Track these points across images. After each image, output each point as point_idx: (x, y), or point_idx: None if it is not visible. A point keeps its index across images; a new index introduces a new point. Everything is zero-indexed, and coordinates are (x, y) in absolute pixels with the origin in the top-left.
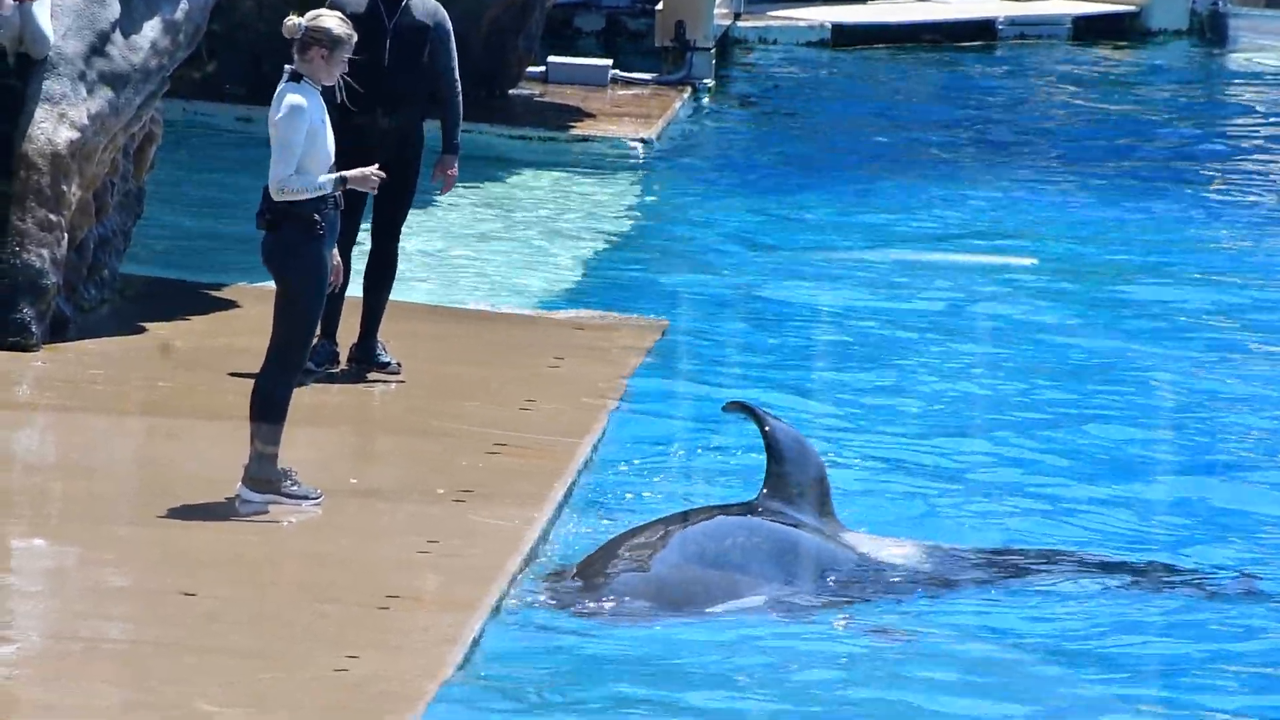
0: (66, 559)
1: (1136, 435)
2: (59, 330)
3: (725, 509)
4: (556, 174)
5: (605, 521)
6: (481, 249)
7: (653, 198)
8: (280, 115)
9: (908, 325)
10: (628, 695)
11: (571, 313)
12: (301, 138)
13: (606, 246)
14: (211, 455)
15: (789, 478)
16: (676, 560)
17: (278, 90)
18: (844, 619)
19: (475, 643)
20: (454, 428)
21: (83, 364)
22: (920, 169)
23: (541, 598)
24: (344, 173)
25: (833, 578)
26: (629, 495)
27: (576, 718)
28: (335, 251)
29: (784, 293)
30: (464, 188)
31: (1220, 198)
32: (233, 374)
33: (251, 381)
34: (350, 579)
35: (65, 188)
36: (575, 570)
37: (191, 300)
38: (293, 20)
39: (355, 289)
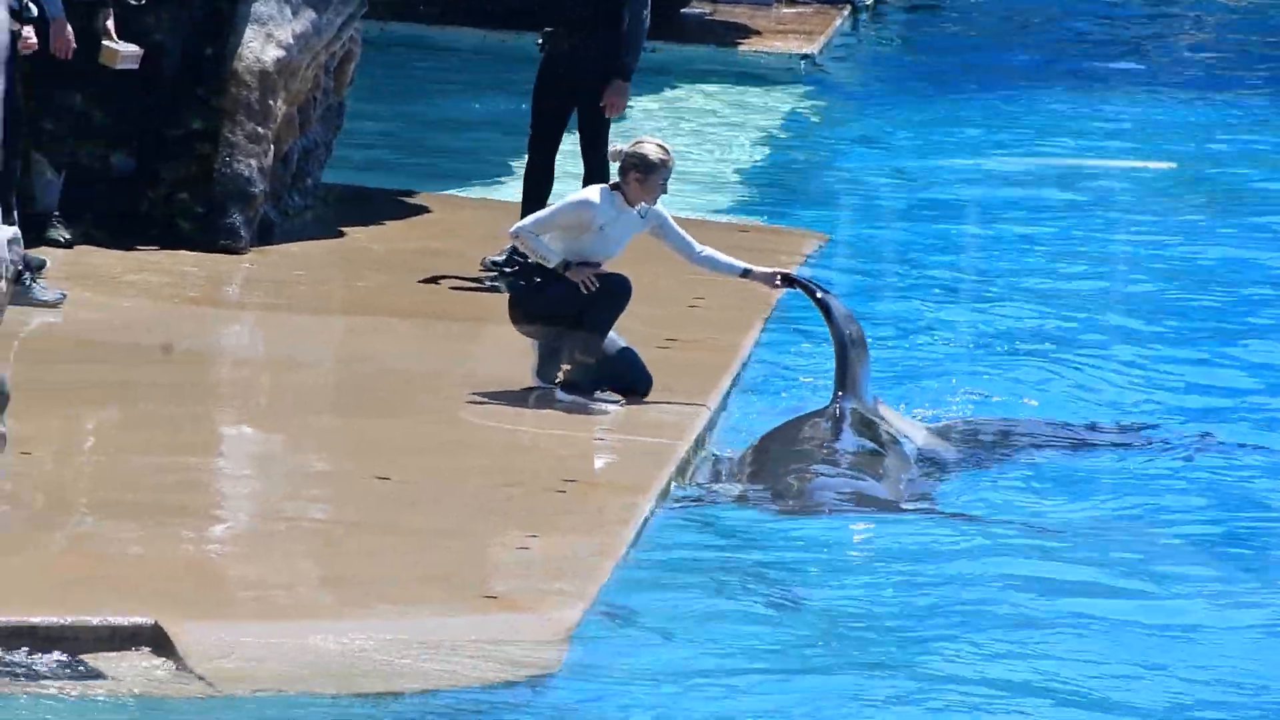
0: (272, 446)
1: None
2: (265, 234)
3: (836, 411)
4: (725, 87)
5: (765, 415)
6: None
7: (815, 113)
8: (567, 199)
9: (1050, 224)
10: (781, 578)
11: (736, 219)
12: (567, 219)
13: (771, 159)
14: (406, 351)
15: (856, 365)
16: (820, 461)
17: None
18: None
19: (645, 523)
20: (627, 325)
21: (287, 265)
22: (1073, 81)
23: (708, 485)
24: (570, 265)
25: (928, 471)
26: (784, 393)
27: (739, 598)
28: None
29: (938, 208)
30: (641, 98)
31: None
32: (423, 278)
33: (439, 280)
34: (533, 465)
35: (272, 103)
36: (738, 461)
37: (386, 206)
38: (615, 147)
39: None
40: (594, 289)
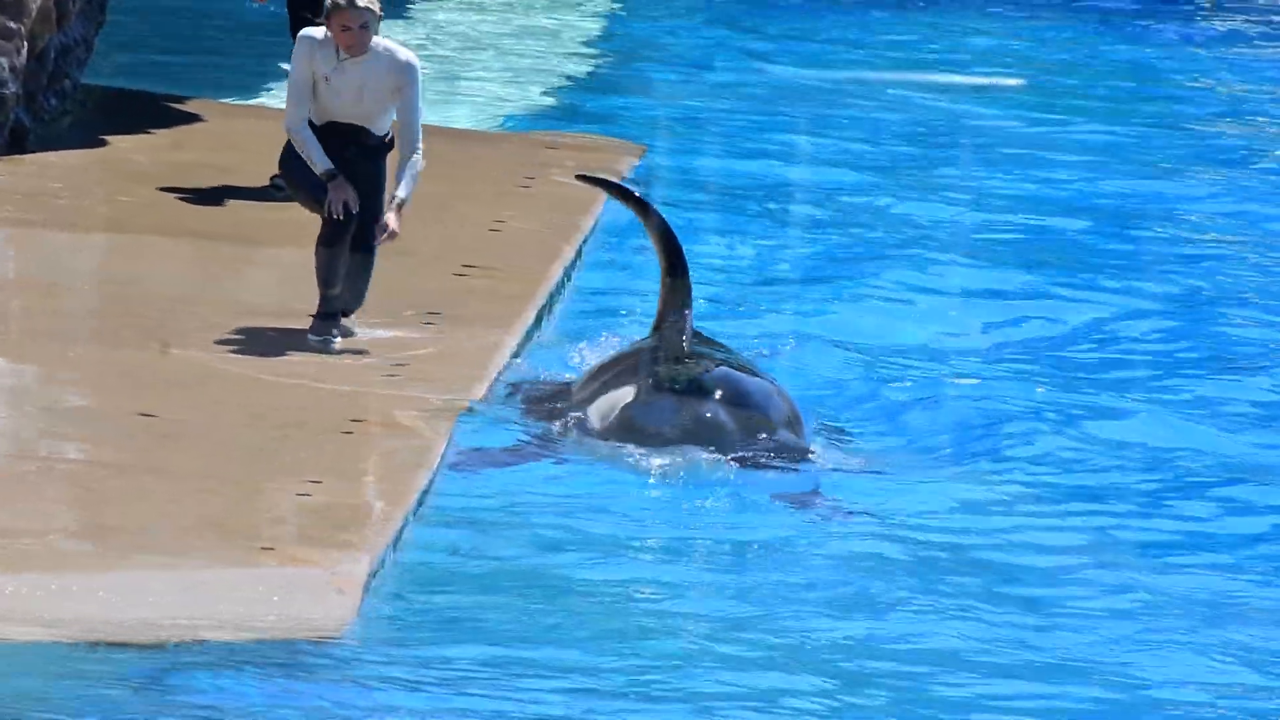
0: (23, 378)
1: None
2: (18, 141)
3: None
4: None
5: (578, 347)
6: (465, 60)
7: (635, 11)
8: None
9: (887, 144)
10: (583, 531)
11: (549, 133)
12: (302, 76)
13: (590, 69)
14: (175, 273)
15: (684, 288)
16: (637, 398)
17: None
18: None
19: (437, 469)
20: (420, 249)
21: (44, 176)
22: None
23: (511, 424)
24: (335, 177)
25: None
26: (595, 324)
27: (536, 550)
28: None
29: (762, 121)
30: (441, 5)
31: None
32: (193, 189)
33: (212, 198)
34: (314, 403)
35: None
36: (544, 398)
37: (154, 113)
38: None
39: None
40: (338, 216)
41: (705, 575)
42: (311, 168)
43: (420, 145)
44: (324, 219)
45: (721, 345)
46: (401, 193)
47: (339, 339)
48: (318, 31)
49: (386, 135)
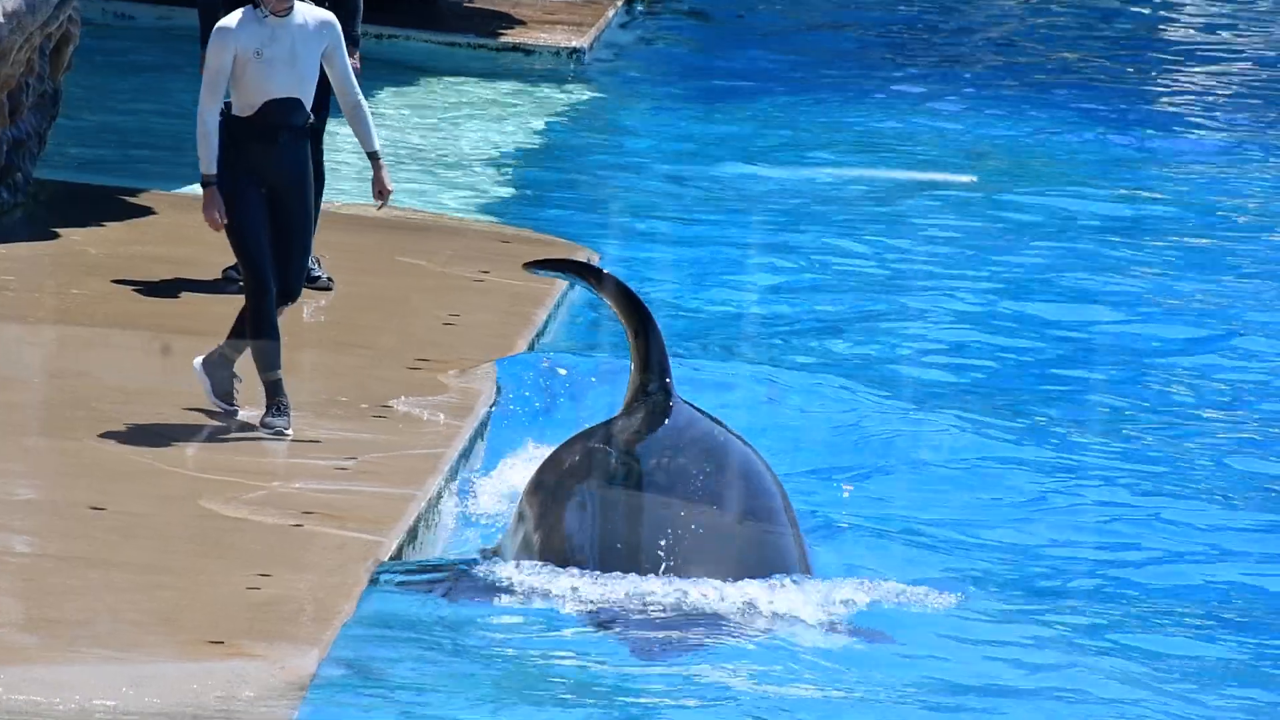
0: None
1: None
2: None
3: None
4: (485, 82)
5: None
6: (407, 158)
7: (583, 110)
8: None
9: (843, 248)
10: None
11: (496, 223)
12: (221, 62)
13: (533, 161)
14: (126, 366)
15: (656, 347)
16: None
17: None
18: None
19: (394, 558)
20: (375, 341)
21: None
22: (854, 82)
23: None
24: (210, 184)
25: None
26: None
27: (485, 652)
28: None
29: (713, 218)
30: (393, 95)
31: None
32: (145, 282)
33: (165, 290)
34: (264, 496)
35: None
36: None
37: (107, 206)
38: None
39: None
40: (220, 228)
41: None
42: (200, 162)
43: (360, 93)
44: (247, 304)
45: (704, 413)
46: (375, 145)
47: (289, 430)
48: (231, 19)
49: (310, 118)
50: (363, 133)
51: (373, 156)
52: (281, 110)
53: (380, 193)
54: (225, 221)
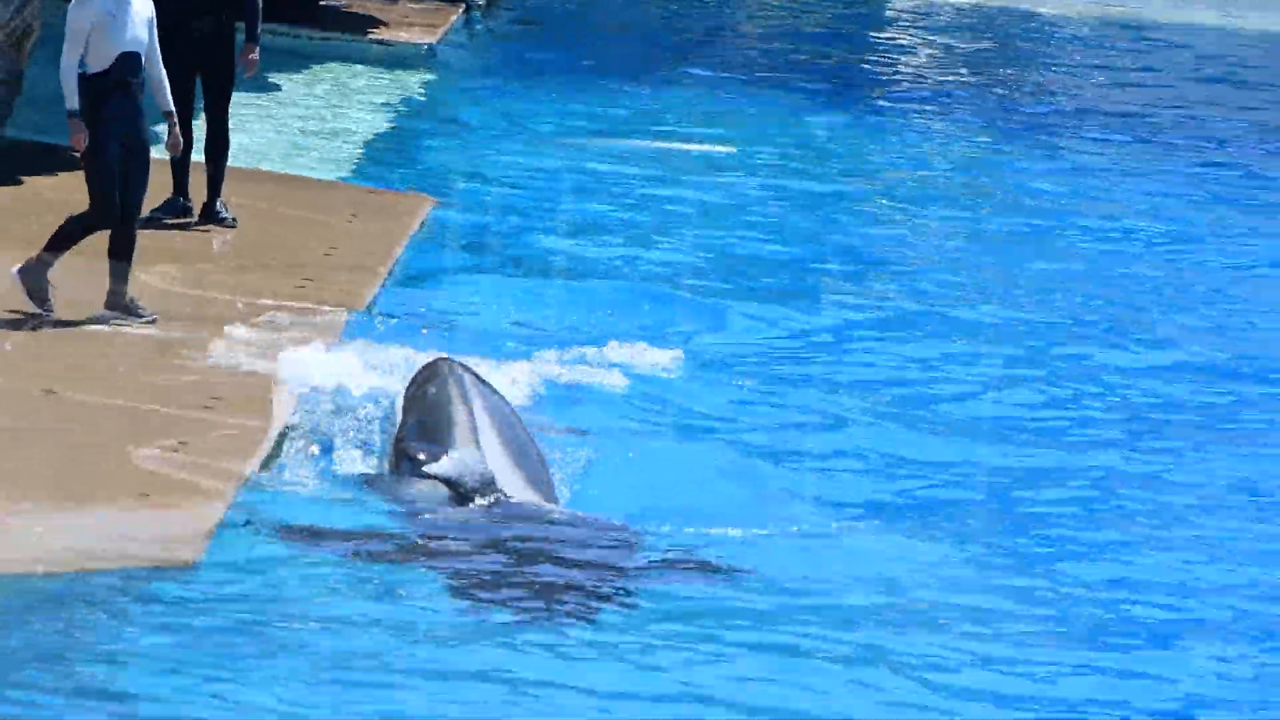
0: None
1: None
2: None
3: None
4: (357, 69)
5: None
6: (297, 130)
7: (432, 92)
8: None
9: (639, 193)
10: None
11: (358, 184)
12: (80, 25)
13: (393, 132)
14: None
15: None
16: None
17: None
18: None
19: (282, 436)
20: (271, 264)
21: None
22: (652, 76)
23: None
24: (75, 115)
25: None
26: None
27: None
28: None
29: (531, 176)
30: (284, 79)
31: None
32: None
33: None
34: (179, 385)
35: None
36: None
37: (65, 163)
38: None
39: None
40: (79, 151)
41: None
42: (66, 103)
43: (162, 67)
44: (94, 204)
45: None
46: (170, 106)
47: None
48: None
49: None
50: (160, 95)
51: (168, 115)
52: (132, 60)
53: (174, 145)
54: (85, 145)
